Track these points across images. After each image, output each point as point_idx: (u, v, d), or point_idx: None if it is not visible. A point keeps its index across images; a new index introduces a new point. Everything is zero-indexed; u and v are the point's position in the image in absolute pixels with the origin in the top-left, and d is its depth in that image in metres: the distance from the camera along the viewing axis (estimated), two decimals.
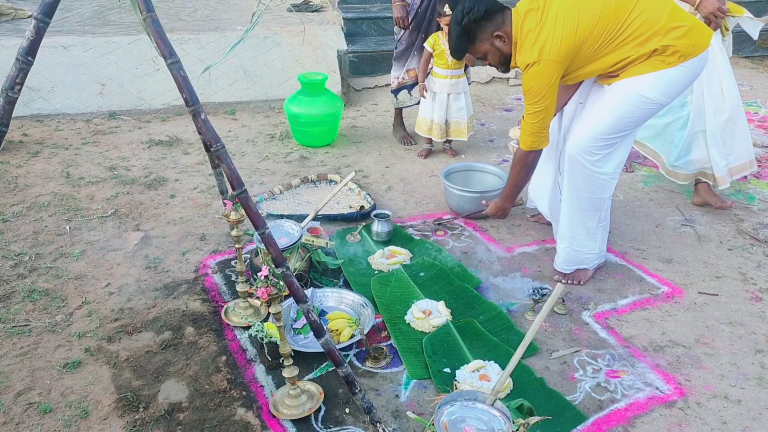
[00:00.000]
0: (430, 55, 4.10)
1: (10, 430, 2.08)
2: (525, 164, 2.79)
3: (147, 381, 2.30)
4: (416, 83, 4.36)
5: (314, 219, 3.13)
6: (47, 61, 5.11)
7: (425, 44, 4.09)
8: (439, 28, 4.09)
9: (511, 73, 6.12)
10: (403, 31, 4.20)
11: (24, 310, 2.67)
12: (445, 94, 4.14)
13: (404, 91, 4.45)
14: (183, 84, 1.52)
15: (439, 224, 3.45)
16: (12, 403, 2.19)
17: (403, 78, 4.40)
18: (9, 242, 3.18)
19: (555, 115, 2.84)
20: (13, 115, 1.53)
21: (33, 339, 2.50)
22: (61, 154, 4.30)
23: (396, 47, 4.33)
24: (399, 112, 4.64)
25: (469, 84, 4.34)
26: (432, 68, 4.15)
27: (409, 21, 4.13)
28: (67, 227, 3.34)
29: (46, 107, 4.97)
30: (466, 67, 4.22)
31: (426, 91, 4.19)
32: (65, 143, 4.49)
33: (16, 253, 3.08)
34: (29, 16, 5.98)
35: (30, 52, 1.44)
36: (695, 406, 2.20)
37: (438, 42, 4.04)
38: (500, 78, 6.13)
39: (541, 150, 2.74)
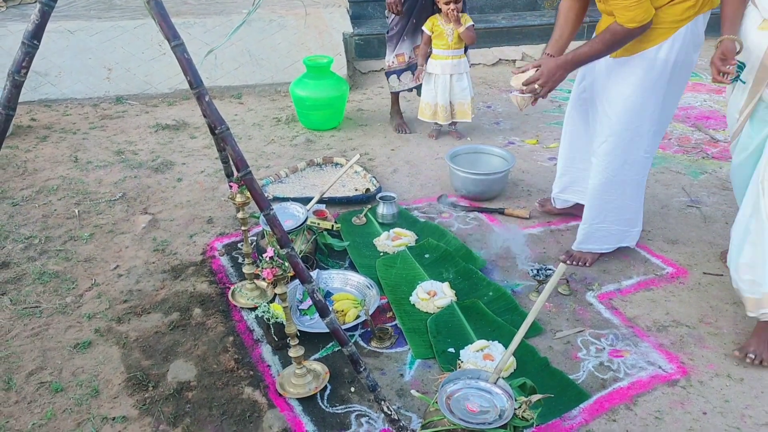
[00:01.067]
0: (430, 39, 4.09)
1: (23, 409, 2.12)
2: (622, 39, 2.45)
3: (156, 361, 2.34)
4: (405, 69, 4.30)
5: (320, 201, 3.15)
6: (54, 45, 5.13)
7: (423, 27, 4.07)
8: (432, 13, 4.06)
9: (518, 55, 6.09)
10: (394, 15, 4.14)
11: (35, 292, 2.71)
12: (448, 75, 4.13)
13: (393, 76, 4.36)
14: (187, 66, 1.53)
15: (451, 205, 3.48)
16: (24, 383, 2.23)
17: (392, 62, 4.32)
18: (19, 225, 3.22)
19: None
20: (21, 100, 1.56)
21: (44, 320, 2.55)
22: (69, 139, 4.33)
23: (388, 32, 4.27)
24: (396, 98, 4.54)
25: (470, 66, 4.33)
26: (431, 51, 4.13)
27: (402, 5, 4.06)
28: (76, 211, 3.37)
29: (53, 92, 5.00)
30: (466, 48, 4.19)
31: (423, 74, 4.19)
32: (73, 128, 4.52)
33: (27, 236, 3.12)
34: (35, 1, 6.00)
35: (35, 35, 1.46)
36: (698, 385, 2.22)
37: (436, 23, 4.03)
38: (506, 60, 6.10)
39: (649, 23, 2.38)
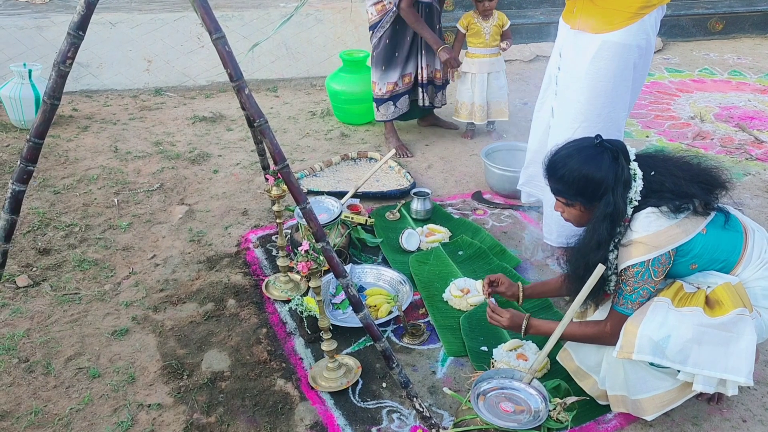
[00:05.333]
0: (464, 37, 4.05)
1: (61, 393, 2.17)
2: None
3: (191, 350, 2.36)
4: (408, 91, 4.04)
5: (354, 196, 3.15)
6: (96, 37, 5.22)
7: (458, 25, 4.03)
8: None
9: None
10: (384, 29, 3.88)
11: (74, 279, 2.77)
12: (485, 73, 4.08)
13: (389, 103, 3.99)
14: (228, 59, 1.54)
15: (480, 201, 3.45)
16: (62, 368, 2.28)
17: (396, 84, 3.97)
18: (60, 213, 3.29)
19: None
20: (63, 90, 1.58)
21: (83, 307, 2.60)
22: (109, 129, 4.40)
23: (376, 47, 3.92)
24: (390, 122, 4.13)
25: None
26: (467, 49, 4.09)
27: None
28: (115, 200, 3.43)
29: (94, 83, 5.09)
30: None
31: (458, 72, 4.10)
32: (113, 118, 4.60)
33: (67, 223, 3.19)
34: None
35: (81, 26, 1.48)
36: (738, 392, 2.15)
37: (473, 21, 3.98)
38: (543, 56, 6.01)
39: None
